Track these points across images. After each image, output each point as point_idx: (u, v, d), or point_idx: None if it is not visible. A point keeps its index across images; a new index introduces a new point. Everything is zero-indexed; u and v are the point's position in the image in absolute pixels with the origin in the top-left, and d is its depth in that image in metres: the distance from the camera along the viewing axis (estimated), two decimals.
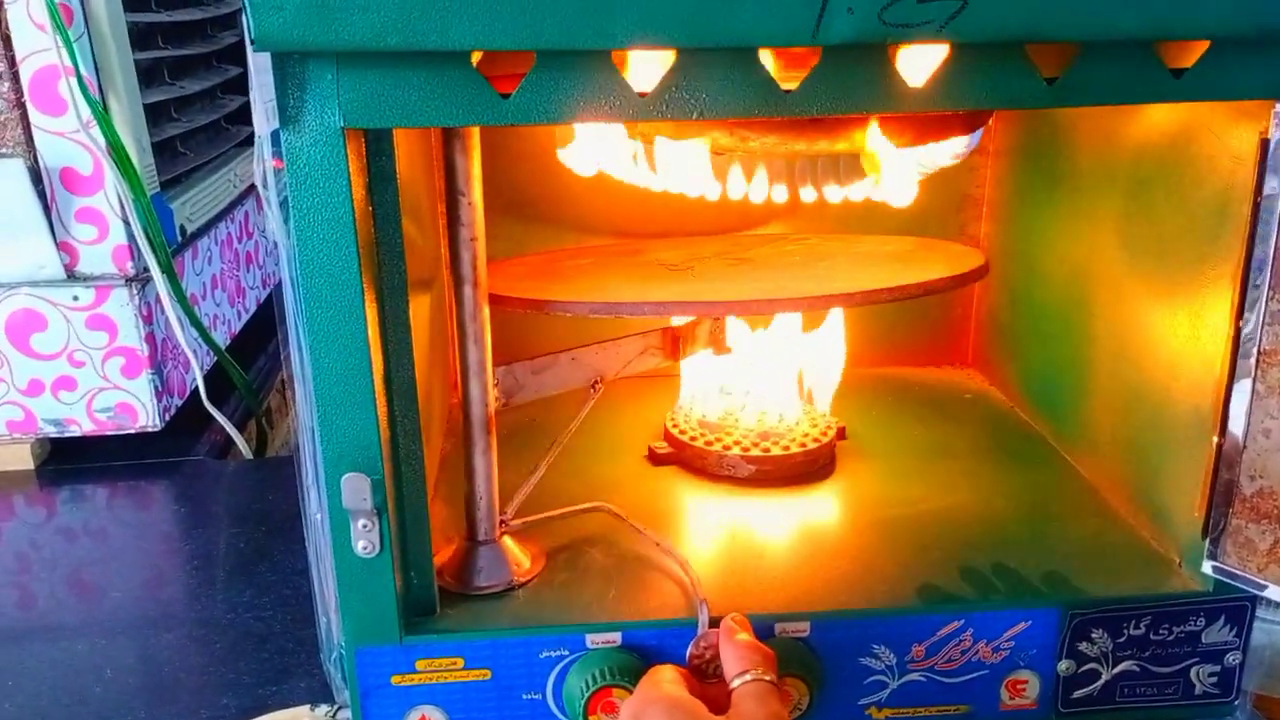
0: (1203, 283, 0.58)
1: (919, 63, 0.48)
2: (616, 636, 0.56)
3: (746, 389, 0.76)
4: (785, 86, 0.47)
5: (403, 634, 0.55)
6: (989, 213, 0.89)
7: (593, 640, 0.56)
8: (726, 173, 0.58)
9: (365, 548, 0.53)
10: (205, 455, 0.99)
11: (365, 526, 0.52)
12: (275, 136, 0.47)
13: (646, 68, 0.47)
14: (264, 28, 0.43)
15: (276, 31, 0.43)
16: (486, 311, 0.57)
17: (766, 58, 0.47)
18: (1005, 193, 0.86)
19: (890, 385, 0.90)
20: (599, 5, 0.43)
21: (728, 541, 0.66)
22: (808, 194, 0.59)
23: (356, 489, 0.51)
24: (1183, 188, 0.60)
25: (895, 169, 0.59)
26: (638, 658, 0.56)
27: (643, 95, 0.47)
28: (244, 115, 1.15)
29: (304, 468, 0.54)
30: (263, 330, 1.21)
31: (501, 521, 0.61)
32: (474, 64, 0.46)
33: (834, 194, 0.59)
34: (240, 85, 1.16)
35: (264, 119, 0.46)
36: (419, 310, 0.62)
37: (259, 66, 0.46)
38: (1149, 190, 0.64)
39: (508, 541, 0.61)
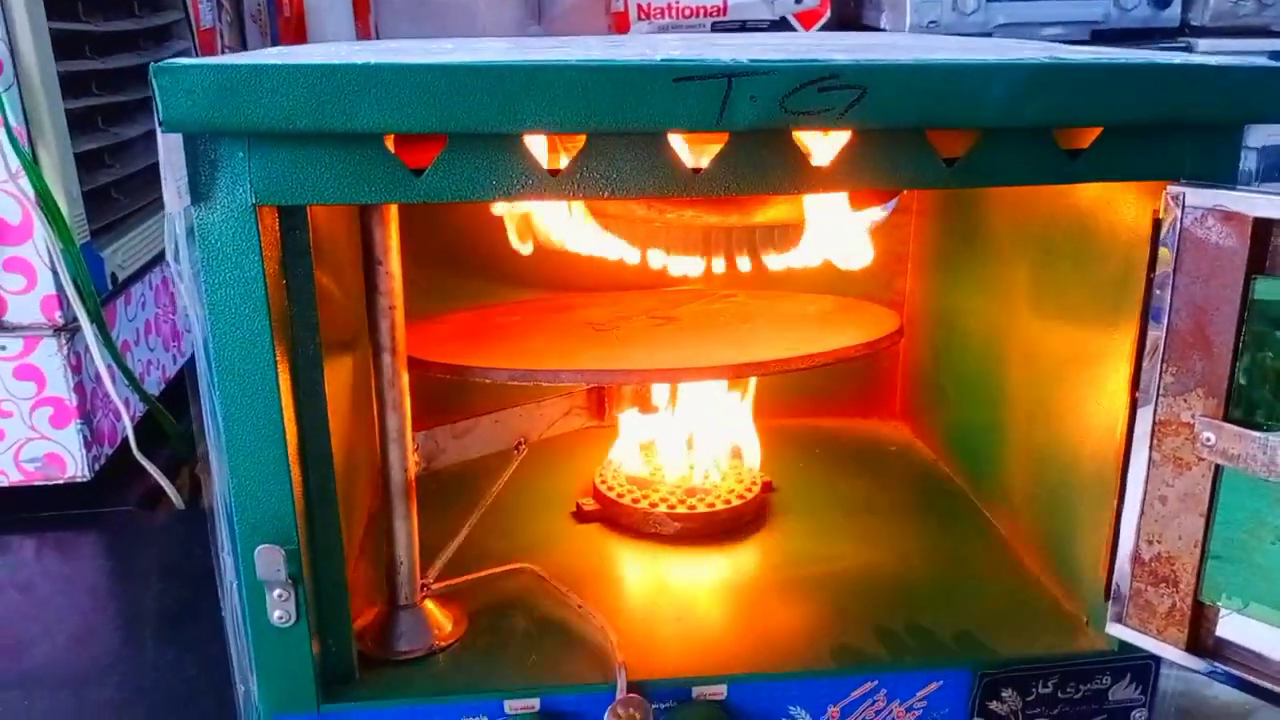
0: (1105, 351, 0.59)
1: (824, 144, 0.50)
2: (535, 702, 0.57)
3: (673, 445, 0.77)
4: (694, 165, 0.49)
5: (320, 702, 0.55)
6: (913, 269, 0.90)
7: (511, 706, 0.57)
8: (646, 244, 0.59)
9: (281, 617, 0.53)
10: (136, 505, 0.96)
11: (281, 596, 0.52)
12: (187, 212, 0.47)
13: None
14: (173, 111, 0.43)
15: (186, 114, 0.44)
16: (405, 379, 0.57)
17: (677, 139, 0.49)
18: (928, 251, 0.88)
19: (818, 436, 0.91)
20: (505, 94, 0.44)
21: (649, 602, 0.66)
22: (722, 265, 0.60)
23: (271, 561, 0.51)
24: (1088, 260, 0.61)
25: (815, 238, 0.60)
26: None
27: (554, 174, 0.48)
28: None
29: (219, 533, 0.53)
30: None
31: (423, 585, 0.61)
32: (387, 144, 0.47)
33: (746, 265, 0.60)
34: None
35: (175, 196, 0.47)
36: (341, 369, 0.62)
37: (169, 145, 0.46)
38: (1057, 260, 0.65)
39: (429, 605, 0.61)
